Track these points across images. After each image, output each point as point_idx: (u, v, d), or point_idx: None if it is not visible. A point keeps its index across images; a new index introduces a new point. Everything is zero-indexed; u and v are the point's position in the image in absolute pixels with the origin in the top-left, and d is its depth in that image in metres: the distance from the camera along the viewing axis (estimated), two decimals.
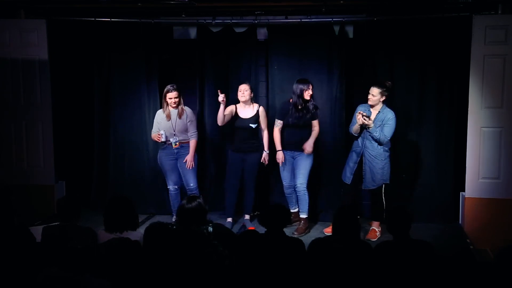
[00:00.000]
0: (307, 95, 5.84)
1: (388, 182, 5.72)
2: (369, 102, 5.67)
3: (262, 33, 6.61)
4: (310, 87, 5.86)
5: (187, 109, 6.05)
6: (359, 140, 5.73)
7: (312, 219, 6.27)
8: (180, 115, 5.96)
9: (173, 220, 5.90)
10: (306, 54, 6.40)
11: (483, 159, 5.97)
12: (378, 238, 5.72)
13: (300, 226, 6.00)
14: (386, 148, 5.69)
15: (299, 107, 5.85)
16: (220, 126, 6.04)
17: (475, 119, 5.95)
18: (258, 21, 6.40)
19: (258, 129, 6.07)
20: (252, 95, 6.03)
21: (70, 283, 3.13)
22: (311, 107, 5.88)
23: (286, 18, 6.45)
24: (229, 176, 6.15)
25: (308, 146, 5.88)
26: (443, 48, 6.10)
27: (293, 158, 5.97)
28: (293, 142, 5.93)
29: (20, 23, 6.42)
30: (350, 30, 6.44)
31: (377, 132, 5.55)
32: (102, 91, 6.66)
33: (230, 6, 6.17)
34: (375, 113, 5.68)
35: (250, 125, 5.97)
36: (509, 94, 5.86)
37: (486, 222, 5.93)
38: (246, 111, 6.01)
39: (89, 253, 3.28)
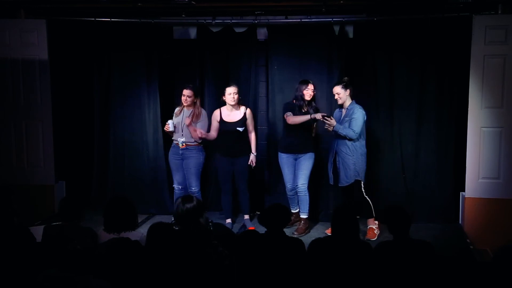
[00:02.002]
0: (307, 95, 5.84)
1: (361, 179, 5.73)
2: (340, 101, 5.76)
3: (262, 33, 6.61)
4: (310, 86, 5.85)
5: (203, 111, 5.98)
6: (334, 139, 5.83)
7: (313, 219, 6.27)
8: (193, 119, 5.87)
9: (173, 220, 5.89)
10: (306, 54, 6.40)
11: (483, 159, 5.96)
12: (377, 235, 5.74)
13: (300, 226, 6.00)
14: (359, 145, 5.71)
15: (302, 110, 5.85)
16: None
17: (475, 119, 5.95)
18: (258, 21, 6.41)
19: (246, 133, 5.95)
20: (240, 97, 5.90)
21: (70, 283, 3.13)
22: (312, 110, 5.86)
23: (286, 18, 6.46)
24: (221, 180, 6.12)
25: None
26: (443, 48, 6.11)
27: (295, 160, 5.96)
28: (295, 145, 5.92)
29: (20, 23, 6.41)
30: (350, 30, 6.45)
31: (341, 129, 5.63)
32: (102, 91, 6.66)
33: (230, 6, 6.17)
34: (344, 111, 5.78)
35: (238, 128, 5.84)
36: (509, 94, 5.86)
37: (486, 222, 5.93)
38: (233, 114, 5.90)
39: (89, 253, 3.28)
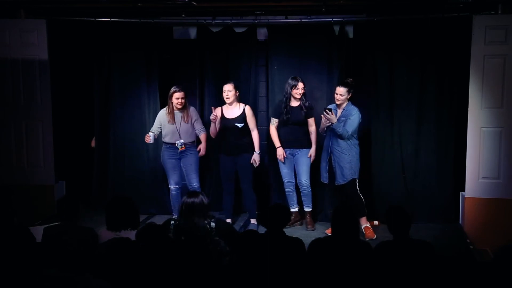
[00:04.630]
0: (295, 93, 5.88)
1: (356, 177, 5.77)
2: (337, 102, 5.80)
3: (262, 33, 6.61)
4: (299, 85, 5.86)
5: (191, 108, 6.08)
6: (327, 138, 5.87)
7: (312, 219, 6.26)
8: (187, 119, 5.96)
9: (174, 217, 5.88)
10: (306, 54, 6.40)
11: (483, 159, 5.96)
12: (376, 232, 5.74)
13: (309, 220, 6.08)
14: (354, 143, 5.77)
15: (289, 104, 5.91)
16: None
17: (475, 119, 5.95)
18: (258, 21, 6.41)
19: (248, 130, 5.98)
20: (237, 94, 5.93)
21: (70, 283, 3.13)
22: (303, 105, 5.89)
23: (286, 18, 6.46)
24: (223, 180, 6.13)
25: (312, 152, 5.99)
26: (443, 48, 6.10)
27: (293, 155, 5.99)
28: (291, 140, 5.98)
29: (20, 23, 6.41)
30: (350, 30, 6.45)
31: (340, 128, 5.68)
32: (102, 91, 6.66)
33: (230, 6, 6.17)
34: (340, 111, 5.81)
35: (236, 124, 5.89)
36: (509, 94, 5.85)
37: (486, 222, 5.92)
38: (232, 111, 5.95)
39: (89, 253, 3.28)
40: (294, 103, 5.95)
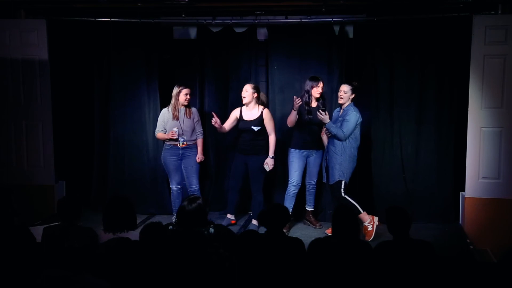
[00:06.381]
0: (315, 92, 5.84)
1: (344, 179, 5.70)
2: (341, 101, 5.79)
3: (262, 33, 6.62)
4: (320, 84, 5.86)
5: (193, 109, 6.09)
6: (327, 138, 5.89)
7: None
8: (189, 115, 5.99)
9: (173, 220, 5.89)
10: (306, 54, 6.41)
11: (483, 159, 5.97)
12: (375, 231, 5.69)
13: (313, 220, 6.14)
14: (350, 146, 5.70)
15: (310, 105, 5.87)
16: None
17: (475, 119, 5.95)
18: (258, 21, 6.41)
19: (264, 132, 5.93)
20: (255, 95, 5.89)
21: (70, 283, 3.13)
22: (321, 105, 5.88)
23: (286, 18, 6.46)
24: (231, 177, 6.13)
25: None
26: (443, 48, 6.11)
27: (306, 157, 5.99)
28: (309, 141, 5.94)
29: (20, 23, 6.42)
30: (350, 30, 6.46)
31: (332, 128, 5.66)
32: (102, 91, 6.66)
33: (230, 6, 6.17)
34: (341, 111, 5.82)
35: (252, 127, 5.87)
36: (509, 94, 5.86)
37: (486, 222, 5.93)
38: (251, 113, 5.92)
39: (89, 253, 3.28)
40: (313, 104, 5.92)
